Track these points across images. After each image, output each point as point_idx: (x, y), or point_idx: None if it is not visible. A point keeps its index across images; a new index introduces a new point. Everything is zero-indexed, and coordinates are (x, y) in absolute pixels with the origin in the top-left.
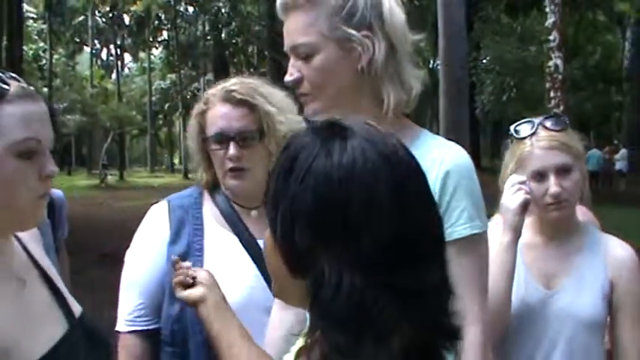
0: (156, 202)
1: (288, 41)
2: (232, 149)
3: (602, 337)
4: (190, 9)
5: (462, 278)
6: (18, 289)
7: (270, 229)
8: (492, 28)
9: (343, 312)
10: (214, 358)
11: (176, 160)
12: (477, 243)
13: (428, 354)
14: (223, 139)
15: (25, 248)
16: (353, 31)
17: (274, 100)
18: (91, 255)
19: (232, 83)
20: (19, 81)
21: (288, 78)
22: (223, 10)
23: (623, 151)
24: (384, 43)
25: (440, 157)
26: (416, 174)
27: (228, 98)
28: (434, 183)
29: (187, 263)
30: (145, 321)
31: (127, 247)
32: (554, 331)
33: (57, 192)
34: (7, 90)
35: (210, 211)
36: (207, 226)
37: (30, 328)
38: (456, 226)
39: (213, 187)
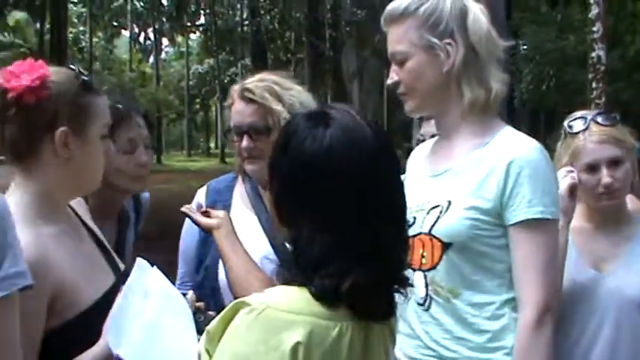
0: (195, 186)
1: (389, 49)
2: (245, 141)
3: None
4: None
5: (519, 262)
6: (76, 242)
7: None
8: (532, 16)
9: (311, 258)
10: None
11: (212, 144)
12: (536, 228)
13: (374, 295)
14: (238, 132)
15: (73, 210)
16: (436, 40)
17: (286, 96)
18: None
19: (251, 81)
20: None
21: (388, 81)
22: None
23: None
24: (466, 48)
25: (507, 149)
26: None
27: (243, 96)
28: (500, 171)
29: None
30: (188, 286)
31: (165, 228)
32: (602, 311)
33: (146, 194)
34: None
35: (239, 194)
36: (234, 206)
37: (86, 275)
38: (516, 211)
39: (244, 172)
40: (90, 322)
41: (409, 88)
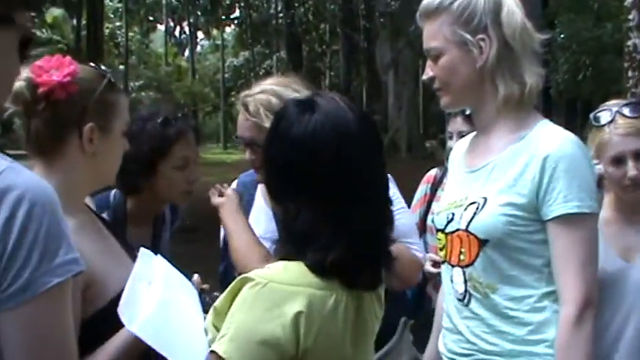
0: (231, 178)
1: (424, 45)
2: (247, 153)
3: None
4: None
5: (558, 257)
6: (97, 234)
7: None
8: (568, 4)
9: (297, 233)
10: None
11: None
12: (573, 223)
13: (359, 268)
14: (242, 142)
15: (87, 206)
16: (469, 36)
17: None
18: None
19: (252, 93)
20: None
21: (424, 77)
22: None
23: None
24: (499, 43)
25: (543, 144)
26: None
27: (243, 108)
28: (536, 166)
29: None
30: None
31: (200, 220)
32: (630, 301)
33: None
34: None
35: (261, 189)
36: (256, 200)
37: (111, 267)
38: (552, 206)
39: None
40: (116, 311)
41: (444, 83)
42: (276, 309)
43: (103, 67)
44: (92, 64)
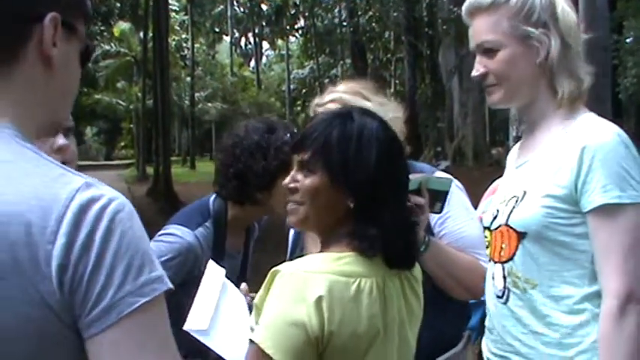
0: None
1: (475, 40)
2: None
3: None
4: None
5: (599, 250)
6: None
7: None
8: (636, 7)
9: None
10: None
11: None
12: (614, 213)
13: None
14: None
15: None
16: (532, 29)
17: None
18: None
19: (323, 102)
20: None
21: (474, 73)
22: None
23: None
24: (558, 39)
25: (582, 135)
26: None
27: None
28: (574, 157)
29: None
30: None
31: (268, 228)
32: None
33: None
34: None
35: None
36: None
37: None
38: (591, 197)
39: None
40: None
41: (501, 78)
42: (299, 294)
43: None
44: None
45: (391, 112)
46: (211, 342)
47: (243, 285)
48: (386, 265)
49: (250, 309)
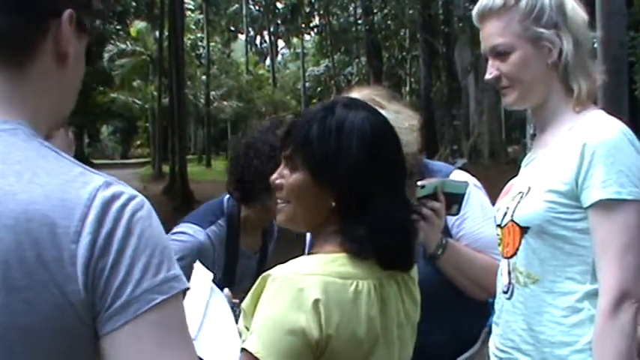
0: None
1: (486, 43)
2: None
3: None
4: None
5: (597, 245)
6: None
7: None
8: None
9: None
10: None
11: None
12: (613, 209)
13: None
14: None
15: None
16: (543, 30)
17: None
18: None
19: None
20: None
21: (488, 76)
22: None
23: None
24: (570, 38)
25: (585, 131)
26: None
27: None
28: (576, 153)
29: None
30: None
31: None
32: None
33: None
34: None
35: None
36: None
37: None
38: (591, 192)
39: None
40: None
41: (514, 80)
42: (295, 298)
43: None
44: None
45: (406, 120)
46: (199, 351)
47: (226, 290)
48: (379, 266)
49: (233, 313)
